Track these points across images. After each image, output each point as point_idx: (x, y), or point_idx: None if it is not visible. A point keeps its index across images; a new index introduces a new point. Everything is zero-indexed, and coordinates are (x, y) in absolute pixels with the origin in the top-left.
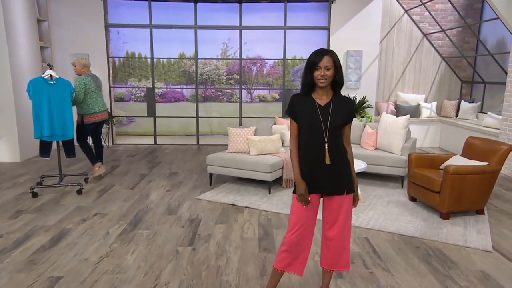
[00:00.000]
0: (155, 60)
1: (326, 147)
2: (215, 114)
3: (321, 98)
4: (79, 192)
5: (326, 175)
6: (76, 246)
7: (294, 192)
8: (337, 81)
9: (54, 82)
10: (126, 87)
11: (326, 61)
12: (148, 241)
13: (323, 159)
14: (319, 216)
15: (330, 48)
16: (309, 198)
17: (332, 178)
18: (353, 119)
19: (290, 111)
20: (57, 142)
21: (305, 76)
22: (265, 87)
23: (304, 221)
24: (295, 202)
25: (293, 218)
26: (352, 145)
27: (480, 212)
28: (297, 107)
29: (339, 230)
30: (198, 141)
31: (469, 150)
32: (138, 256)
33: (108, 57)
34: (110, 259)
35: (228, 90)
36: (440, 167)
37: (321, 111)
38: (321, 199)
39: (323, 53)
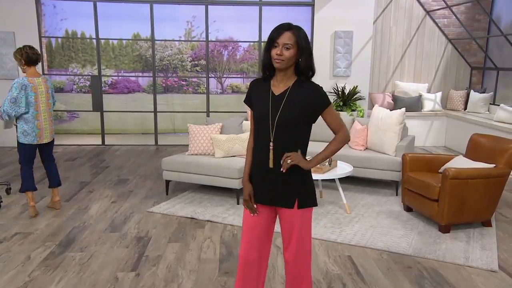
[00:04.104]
0: (102, 41)
1: (271, 147)
2: (178, 108)
3: (278, 86)
4: None
5: (272, 181)
6: None
7: None
8: (300, 66)
9: None
10: (67, 75)
11: (286, 38)
12: (81, 266)
13: (268, 162)
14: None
15: (315, 28)
16: (255, 206)
17: (277, 185)
18: (330, 104)
19: (247, 99)
20: None
21: (263, 56)
22: (239, 75)
23: (255, 234)
24: (245, 210)
25: (243, 228)
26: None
27: (487, 224)
28: (253, 95)
29: (292, 253)
30: (156, 141)
31: (474, 149)
32: (66, 285)
33: (40, 37)
34: None
35: (194, 79)
36: (439, 171)
37: (272, 102)
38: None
39: (283, 28)
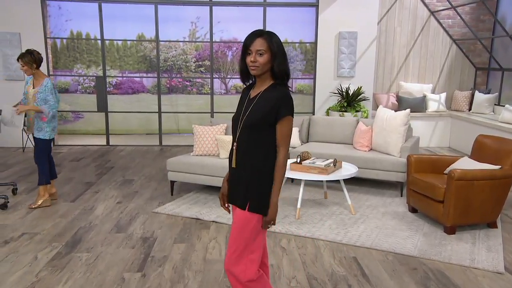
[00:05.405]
0: (107, 42)
1: (235, 147)
2: (183, 108)
3: (255, 90)
4: (3, 206)
5: (233, 180)
6: None
7: None
8: (274, 70)
9: None
10: (72, 75)
11: (258, 44)
12: (87, 266)
13: (231, 161)
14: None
15: (319, 29)
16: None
17: (236, 185)
18: (288, 115)
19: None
20: None
21: (239, 63)
22: None
23: None
24: None
25: None
26: (343, 145)
27: (492, 225)
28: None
29: (227, 259)
30: (160, 141)
31: (480, 150)
32: (73, 286)
33: (46, 38)
34: None
35: (198, 80)
36: (445, 172)
37: (246, 104)
38: None
39: (256, 34)
